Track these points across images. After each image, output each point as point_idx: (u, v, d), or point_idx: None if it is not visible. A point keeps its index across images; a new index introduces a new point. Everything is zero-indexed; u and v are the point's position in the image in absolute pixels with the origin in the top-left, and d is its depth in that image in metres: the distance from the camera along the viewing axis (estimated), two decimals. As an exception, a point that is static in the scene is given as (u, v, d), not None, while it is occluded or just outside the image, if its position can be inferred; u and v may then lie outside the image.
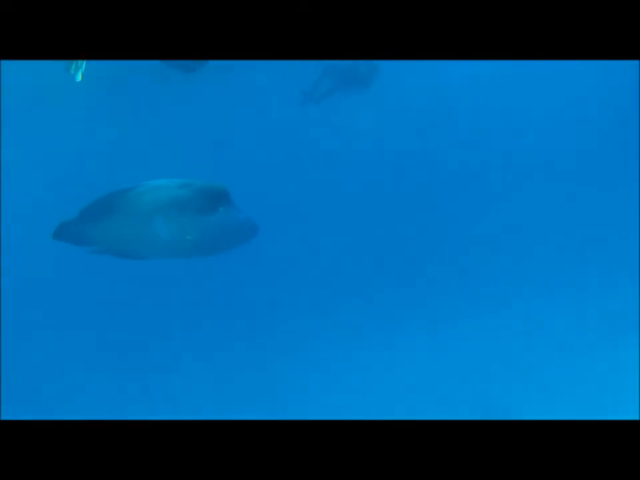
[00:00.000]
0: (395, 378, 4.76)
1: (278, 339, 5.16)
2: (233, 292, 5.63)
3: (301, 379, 4.74)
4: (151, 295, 5.27)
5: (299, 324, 5.27)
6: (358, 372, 4.89)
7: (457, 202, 6.48)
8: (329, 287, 5.79)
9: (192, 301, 5.42)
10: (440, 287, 5.84)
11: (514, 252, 5.86)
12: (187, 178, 2.86)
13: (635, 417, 2.89)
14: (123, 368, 4.63)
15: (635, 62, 5.30)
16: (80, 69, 2.49)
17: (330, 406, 4.23)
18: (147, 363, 4.70)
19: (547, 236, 5.90)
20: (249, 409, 4.18)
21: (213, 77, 5.52)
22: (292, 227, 5.81)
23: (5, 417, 3.09)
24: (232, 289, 5.68)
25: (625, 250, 5.13)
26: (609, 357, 4.02)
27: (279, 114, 6.21)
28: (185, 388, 4.47)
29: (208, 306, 5.47)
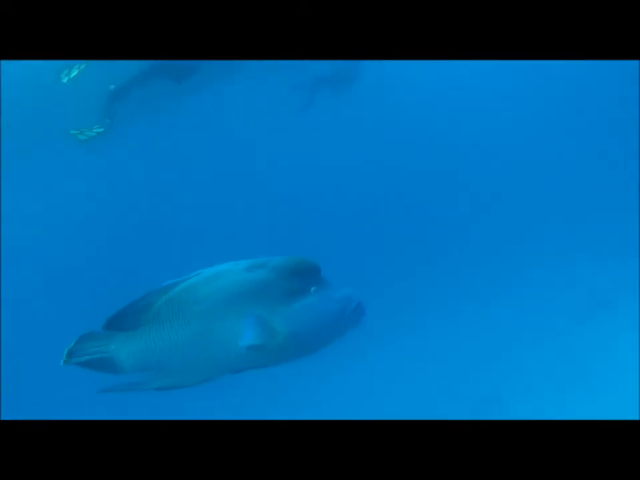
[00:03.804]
0: (393, 377, 4.75)
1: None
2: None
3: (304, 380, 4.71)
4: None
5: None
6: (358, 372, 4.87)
7: (452, 200, 6.47)
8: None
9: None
10: (435, 285, 5.81)
11: (510, 252, 5.84)
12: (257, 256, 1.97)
13: (635, 417, 2.89)
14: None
15: (635, 62, 5.30)
16: (71, 74, 2.21)
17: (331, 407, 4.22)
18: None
19: (546, 239, 5.91)
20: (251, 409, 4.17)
21: (204, 86, 5.43)
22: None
23: (4, 417, 3.09)
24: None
25: (626, 252, 5.12)
26: (610, 356, 4.02)
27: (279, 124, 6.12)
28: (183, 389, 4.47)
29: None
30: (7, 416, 3.10)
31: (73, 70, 4.35)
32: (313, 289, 1.91)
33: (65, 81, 4.33)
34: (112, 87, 4.90)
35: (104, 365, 1.95)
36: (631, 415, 3.01)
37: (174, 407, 4.15)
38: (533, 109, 6.80)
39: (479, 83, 6.56)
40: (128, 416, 3.24)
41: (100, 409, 3.86)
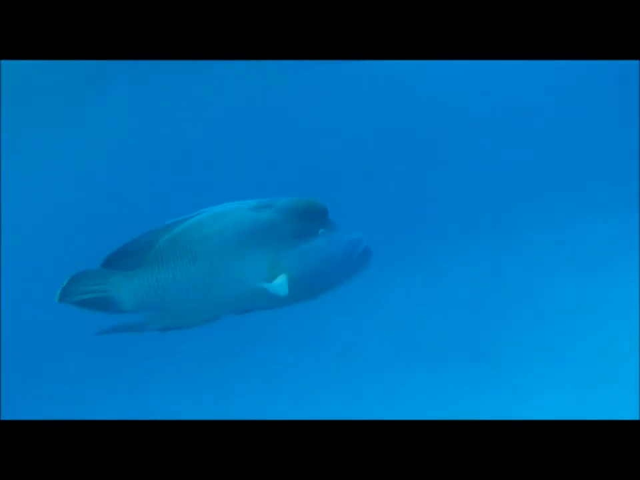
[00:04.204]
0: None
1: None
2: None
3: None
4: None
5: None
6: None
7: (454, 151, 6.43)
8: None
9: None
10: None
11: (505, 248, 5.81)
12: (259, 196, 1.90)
13: (635, 417, 2.89)
14: (124, 367, 4.63)
15: (635, 62, 5.32)
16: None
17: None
18: (148, 363, 4.69)
19: (545, 240, 5.89)
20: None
21: None
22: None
23: (4, 417, 3.09)
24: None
25: (625, 261, 5.11)
26: (609, 355, 4.02)
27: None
28: (186, 388, 4.46)
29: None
30: (7, 416, 3.10)
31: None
32: (320, 231, 1.86)
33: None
34: None
35: (103, 304, 1.86)
36: (631, 415, 3.01)
37: (175, 407, 4.14)
38: (533, 109, 6.81)
39: (477, 82, 6.57)
40: (128, 416, 3.24)
41: (100, 409, 3.86)
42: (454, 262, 5.77)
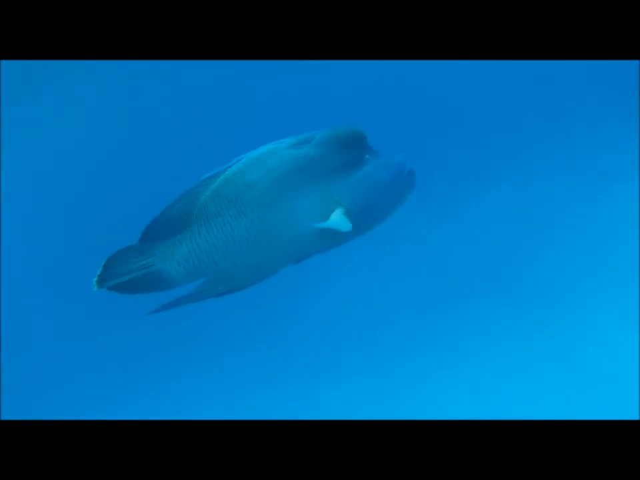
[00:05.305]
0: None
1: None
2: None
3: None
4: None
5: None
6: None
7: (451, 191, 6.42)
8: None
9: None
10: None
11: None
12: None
13: (635, 417, 2.89)
14: (123, 367, 4.62)
15: (635, 62, 5.32)
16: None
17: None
18: (148, 363, 4.69)
19: (546, 240, 5.88)
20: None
21: None
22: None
23: (4, 417, 3.09)
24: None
25: (625, 269, 5.09)
26: (609, 355, 4.02)
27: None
28: (186, 388, 4.46)
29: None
30: (7, 416, 3.10)
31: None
32: (366, 157, 1.75)
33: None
34: None
35: (151, 281, 1.70)
36: (631, 415, 3.01)
37: (175, 407, 4.14)
38: (532, 109, 6.82)
39: (476, 82, 6.58)
40: (128, 416, 3.23)
41: (100, 409, 3.86)
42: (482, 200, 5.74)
